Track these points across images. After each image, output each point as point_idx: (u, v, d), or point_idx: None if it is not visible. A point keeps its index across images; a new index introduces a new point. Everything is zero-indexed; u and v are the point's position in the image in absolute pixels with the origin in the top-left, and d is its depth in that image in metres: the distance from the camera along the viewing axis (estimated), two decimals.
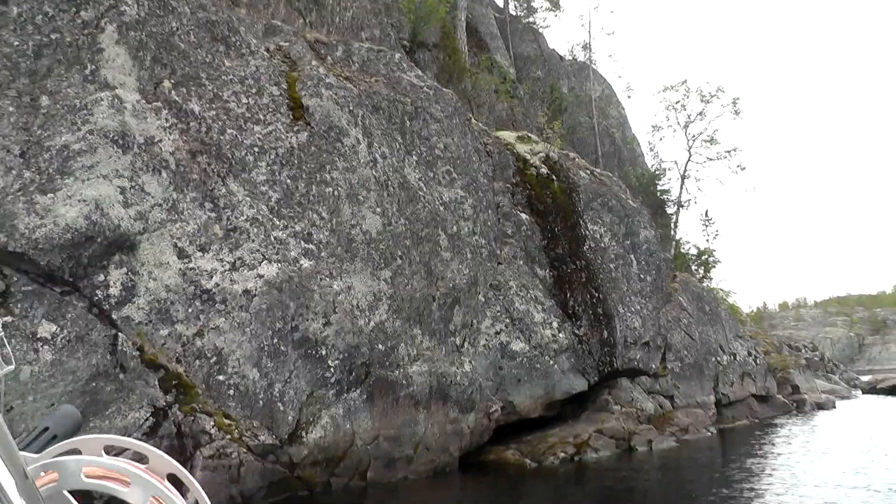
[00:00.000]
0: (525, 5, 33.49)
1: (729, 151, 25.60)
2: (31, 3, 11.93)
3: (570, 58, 35.50)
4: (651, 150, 30.63)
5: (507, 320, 14.70)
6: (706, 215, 29.26)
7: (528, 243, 16.05)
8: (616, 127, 33.14)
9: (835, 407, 24.92)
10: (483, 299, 14.68)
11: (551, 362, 14.97)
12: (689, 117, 26.45)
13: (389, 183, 13.59)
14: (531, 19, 33.60)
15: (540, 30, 33.94)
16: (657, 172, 28.01)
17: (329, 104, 13.44)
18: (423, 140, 15.13)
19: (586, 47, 33.37)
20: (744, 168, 33.38)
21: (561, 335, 15.34)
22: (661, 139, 35.51)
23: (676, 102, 27.15)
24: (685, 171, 26.01)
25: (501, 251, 15.70)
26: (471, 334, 14.19)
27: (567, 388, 15.15)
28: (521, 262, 15.78)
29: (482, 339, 14.31)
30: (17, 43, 11.57)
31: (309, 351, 11.31)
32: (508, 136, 18.21)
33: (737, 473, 12.50)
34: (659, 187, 27.83)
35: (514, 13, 31.84)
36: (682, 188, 26.44)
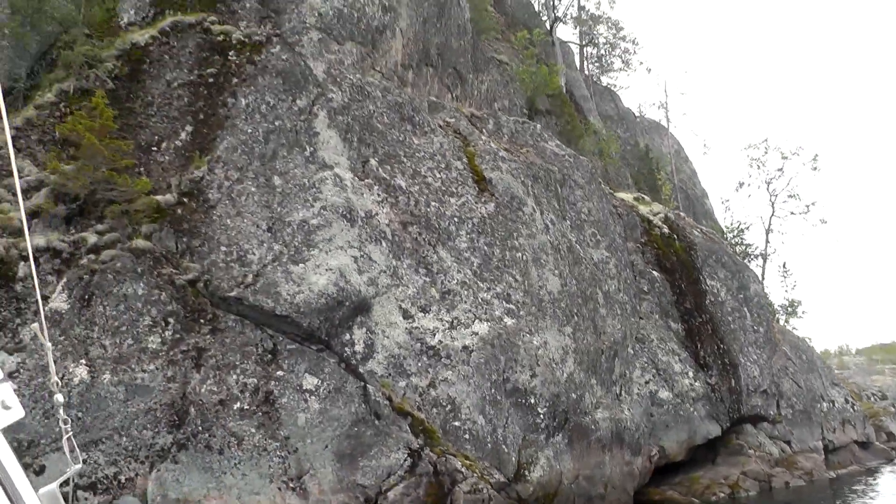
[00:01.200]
0: (599, 66, 35.91)
1: (808, 206, 27.57)
2: (255, 94, 14.04)
3: (641, 115, 38.05)
4: (723, 203, 32.57)
5: (654, 370, 16.45)
6: (784, 266, 31.12)
7: (662, 299, 17.89)
8: (688, 182, 35.38)
9: None
10: (632, 351, 16.46)
11: (691, 409, 16.67)
12: (769, 174, 28.52)
13: (560, 247, 15.49)
14: (610, 81, 36.13)
15: (616, 90, 36.54)
16: (742, 227, 30.07)
17: (507, 177, 15.42)
18: (571, 205, 17.08)
19: (662, 106, 35.69)
20: (825, 222, 35.05)
21: (697, 384, 17.06)
22: (748, 196, 37.54)
23: (757, 160, 29.29)
24: (769, 225, 28.08)
25: (640, 306, 17.53)
26: (626, 383, 15.92)
27: (705, 433, 16.82)
28: (657, 317, 17.60)
29: (635, 387, 16.05)
30: (249, 130, 13.65)
31: (520, 399, 13.04)
32: (627, 197, 20.20)
33: None
34: (744, 241, 29.88)
35: (586, 73, 34.30)
36: (766, 242, 28.37)
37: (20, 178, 12.50)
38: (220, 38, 14.80)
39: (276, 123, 13.69)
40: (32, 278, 11.41)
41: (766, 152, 28.40)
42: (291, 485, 10.74)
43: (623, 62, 33.24)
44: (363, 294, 12.37)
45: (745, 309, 19.56)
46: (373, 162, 14.25)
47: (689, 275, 18.71)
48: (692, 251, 19.28)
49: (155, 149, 13.26)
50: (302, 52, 14.55)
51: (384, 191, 13.99)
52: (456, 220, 14.30)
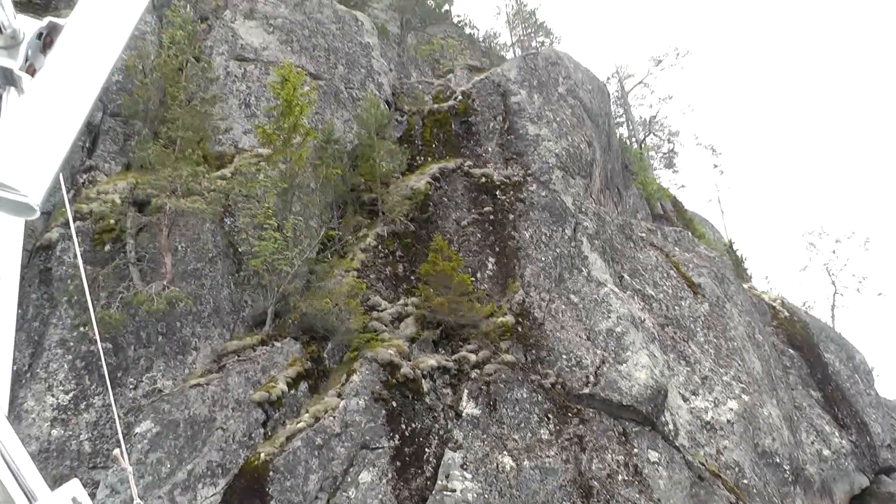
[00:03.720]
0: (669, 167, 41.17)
1: (860, 280, 34.00)
2: (533, 227, 18.54)
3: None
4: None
5: (814, 432, 21.38)
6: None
7: (801, 371, 23.07)
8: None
9: None
10: (796, 417, 21.38)
11: (846, 463, 21.62)
12: (826, 257, 34.91)
13: (750, 334, 20.45)
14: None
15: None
16: (806, 306, 35.96)
17: (708, 280, 20.39)
18: (731, 298, 22.17)
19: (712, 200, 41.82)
20: (881, 294, 41.21)
21: (844, 442, 22.10)
22: (806, 279, 42.39)
23: (813, 244, 35.75)
24: (834, 301, 34.27)
25: (788, 379, 22.61)
26: (802, 444, 20.74)
27: (860, 483, 21.76)
28: (801, 387, 22.71)
29: (806, 447, 20.84)
30: (542, 258, 18.07)
31: (769, 460, 17.60)
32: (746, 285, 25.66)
33: None
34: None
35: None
36: (833, 319, 34.27)
37: (383, 310, 16.23)
38: (483, 180, 19.20)
39: (557, 251, 18.12)
40: None
41: (821, 235, 34.99)
42: None
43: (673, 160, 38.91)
44: (664, 384, 16.74)
45: (857, 376, 24.98)
46: (626, 277, 18.87)
47: (812, 350, 24.04)
48: (808, 329, 24.71)
49: (473, 279, 17.31)
50: (555, 189, 19.12)
51: (642, 299, 18.59)
52: (690, 319, 19.02)
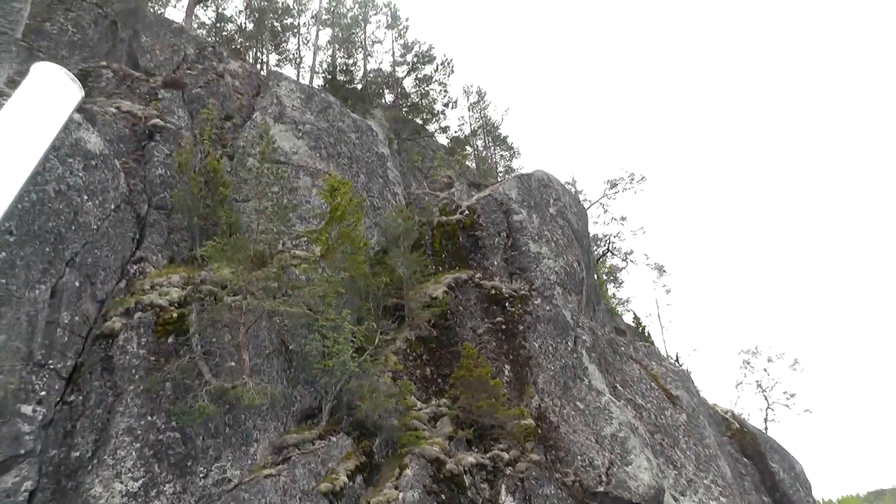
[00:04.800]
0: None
1: (789, 396, 37.81)
2: (541, 339, 20.70)
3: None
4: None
5: None
6: None
7: (754, 478, 25.80)
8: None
9: None
10: None
11: None
12: (759, 375, 38.69)
13: (717, 443, 23.02)
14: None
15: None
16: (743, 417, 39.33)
17: (684, 393, 22.98)
18: (692, 410, 24.91)
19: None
20: (809, 411, 44.55)
21: None
22: (744, 397, 45.62)
23: (748, 362, 39.51)
24: (766, 415, 37.74)
25: (745, 485, 25.24)
26: None
27: None
28: (755, 493, 25.38)
29: None
30: (551, 367, 20.20)
31: None
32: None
33: None
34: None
35: None
36: (766, 431, 37.50)
37: (419, 410, 17.68)
38: (493, 291, 21.33)
39: (562, 361, 20.26)
40: None
41: (755, 354, 38.94)
42: None
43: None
44: (662, 485, 18.85)
45: (797, 484, 27.96)
46: (619, 387, 21.18)
47: (761, 459, 26.93)
48: (756, 440, 27.70)
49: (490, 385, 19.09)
50: (557, 304, 21.46)
51: (634, 408, 20.87)
52: (673, 427, 21.42)
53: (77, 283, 15.49)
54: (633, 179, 36.07)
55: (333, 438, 15.55)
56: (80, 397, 14.38)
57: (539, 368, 19.73)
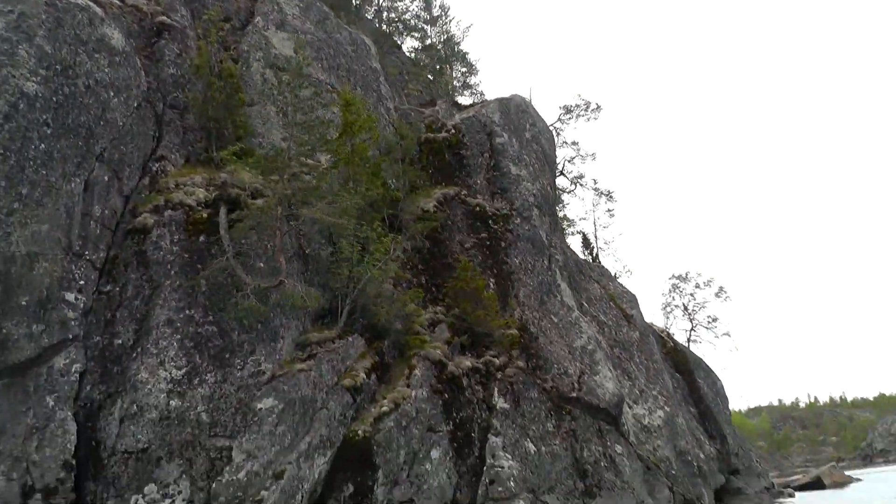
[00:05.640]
0: None
1: (713, 320, 41.67)
2: (521, 256, 22.91)
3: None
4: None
5: (695, 440, 27.67)
6: None
7: (684, 392, 29.45)
8: None
9: None
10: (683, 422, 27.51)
11: (714, 465, 28.15)
12: (687, 300, 42.30)
13: (663, 360, 26.23)
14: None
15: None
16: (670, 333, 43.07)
17: (637, 312, 25.81)
18: (641, 328, 28.00)
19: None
20: (729, 335, 47.86)
21: (712, 449, 28.69)
22: (673, 319, 48.65)
23: (678, 287, 42.90)
24: (690, 336, 41.57)
25: (678, 396, 28.82)
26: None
27: (720, 481, 28.35)
28: (685, 404, 29.05)
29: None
30: (530, 283, 22.47)
31: (683, 457, 23.29)
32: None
33: None
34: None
35: None
36: (688, 349, 41.41)
37: (419, 316, 19.58)
38: (477, 209, 23.16)
39: (539, 278, 22.54)
40: None
41: (685, 280, 42.51)
42: None
43: None
44: (622, 393, 21.75)
45: (718, 399, 31.94)
46: (585, 304, 23.73)
47: (690, 375, 30.59)
48: (687, 358, 31.29)
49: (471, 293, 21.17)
50: (535, 224, 23.53)
51: (598, 324, 23.54)
52: (628, 343, 24.29)
53: (106, 178, 16.27)
54: (588, 108, 38.17)
55: (350, 339, 17.31)
56: (117, 288, 15.46)
57: (520, 283, 21.94)
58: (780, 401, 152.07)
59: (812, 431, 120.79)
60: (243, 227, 16.33)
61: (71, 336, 14.32)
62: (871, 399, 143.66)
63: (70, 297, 14.69)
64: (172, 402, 14.51)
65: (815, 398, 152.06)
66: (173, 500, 13.54)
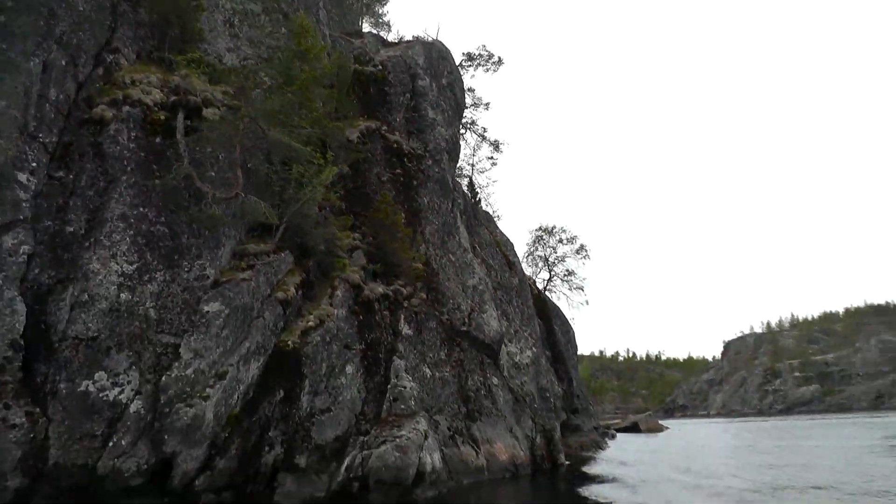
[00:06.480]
0: None
1: (569, 273, 45.62)
2: (429, 196, 25.23)
3: None
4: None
5: (546, 379, 31.72)
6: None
7: (543, 336, 33.30)
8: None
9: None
10: (545, 363, 31.42)
11: (562, 403, 32.42)
12: (549, 252, 45.81)
13: (533, 306, 29.72)
14: None
15: None
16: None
17: (517, 261, 28.92)
18: (519, 272, 31.32)
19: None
20: (581, 287, 51.55)
21: (560, 389, 32.91)
22: (535, 268, 51.42)
23: (541, 239, 46.23)
24: (546, 287, 45.17)
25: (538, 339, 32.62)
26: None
27: (563, 418, 32.74)
28: (542, 347, 32.95)
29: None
30: (435, 222, 24.94)
31: (544, 394, 27.01)
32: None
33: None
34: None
35: None
36: (544, 297, 45.24)
37: (339, 240, 21.43)
38: (395, 146, 25.02)
39: (443, 219, 24.96)
40: None
41: (549, 233, 46.11)
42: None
43: None
44: (503, 331, 24.91)
45: (569, 345, 36.17)
46: (477, 247, 26.47)
47: (548, 322, 34.48)
48: (547, 306, 35.12)
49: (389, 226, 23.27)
50: (444, 168, 25.76)
51: (486, 267, 26.38)
52: (509, 288, 27.39)
53: (63, 62, 16.70)
54: (490, 59, 40.40)
55: (282, 255, 18.96)
56: (71, 176, 16.17)
57: (426, 221, 24.26)
58: (601, 352, 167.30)
59: (625, 383, 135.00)
60: (206, 138, 17.35)
61: (21, 217, 14.98)
62: (682, 360, 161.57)
63: (22, 177, 15.27)
64: (123, 296, 15.61)
65: (634, 353, 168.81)
66: (122, 389, 14.71)
